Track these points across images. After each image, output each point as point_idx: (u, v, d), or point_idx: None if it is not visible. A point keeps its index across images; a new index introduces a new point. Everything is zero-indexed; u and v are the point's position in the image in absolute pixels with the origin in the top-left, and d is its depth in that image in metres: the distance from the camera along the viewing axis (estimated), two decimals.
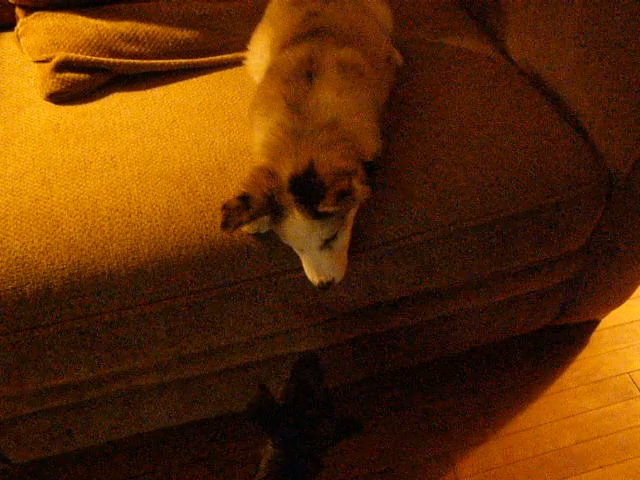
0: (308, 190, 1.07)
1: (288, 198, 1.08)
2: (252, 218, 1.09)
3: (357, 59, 1.26)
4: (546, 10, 1.50)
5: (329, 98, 1.17)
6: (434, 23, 1.68)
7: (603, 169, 1.35)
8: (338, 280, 1.17)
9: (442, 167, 1.29)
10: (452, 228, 1.28)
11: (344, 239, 1.16)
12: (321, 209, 1.07)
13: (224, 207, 1.07)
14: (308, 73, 1.20)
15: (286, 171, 1.09)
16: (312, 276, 1.16)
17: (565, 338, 1.81)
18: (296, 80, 1.20)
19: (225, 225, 1.07)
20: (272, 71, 1.27)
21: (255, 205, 1.07)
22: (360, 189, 1.08)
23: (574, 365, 1.76)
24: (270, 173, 1.10)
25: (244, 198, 1.07)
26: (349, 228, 1.17)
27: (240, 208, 1.06)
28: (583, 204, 1.34)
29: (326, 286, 1.16)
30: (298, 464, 1.12)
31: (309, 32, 1.30)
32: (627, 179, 1.34)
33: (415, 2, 1.76)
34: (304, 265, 1.18)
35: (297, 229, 1.11)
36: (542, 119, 1.40)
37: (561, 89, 1.45)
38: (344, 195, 1.06)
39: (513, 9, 1.60)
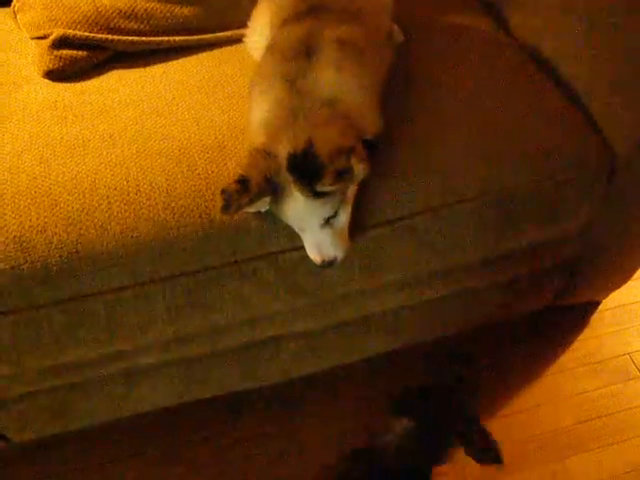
0: (306, 169, 1.05)
1: (287, 178, 1.07)
2: (252, 201, 1.08)
3: (356, 36, 1.24)
4: None
5: (328, 75, 1.16)
6: (436, 0, 1.66)
7: (605, 148, 1.34)
8: (340, 258, 1.16)
9: (441, 145, 1.28)
10: (453, 207, 1.27)
11: (345, 217, 1.15)
12: (319, 188, 1.06)
13: (223, 191, 1.06)
14: (307, 50, 1.19)
15: (284, 150, 1.08)
16: (314, 255, 1.15)
17: (565, 319, 1.80)
18: (295, 57, 1.19)
19: (225, 209, 1.06)
20: (271, 48, 1.26)
21: (254, 188, 1.06)
22: (359, 167, 1.08)
23: (574, 346, 1.76)
24: (268, 154, 1.09)
25: (243, 181, 1.06)
26: (350, 206, 1.16)
27: (239, 192, 1.05)
28: (584, 184, 1.34)
29: (328, 265, 1.15)
30: (431, 443, 1.13)
31: (308, 9, 1.29)
32: (629, 159, 1.33)
33: None
34: (305, 244, 1.17)
35: (297, 209, 1.11)
36: (544, 97, 1.39)
37: (564, 66, 1.44)
38: (342, 174, 1.06)
39: None
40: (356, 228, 1.20)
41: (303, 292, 1.28)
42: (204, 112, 1.32)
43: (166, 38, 1.47)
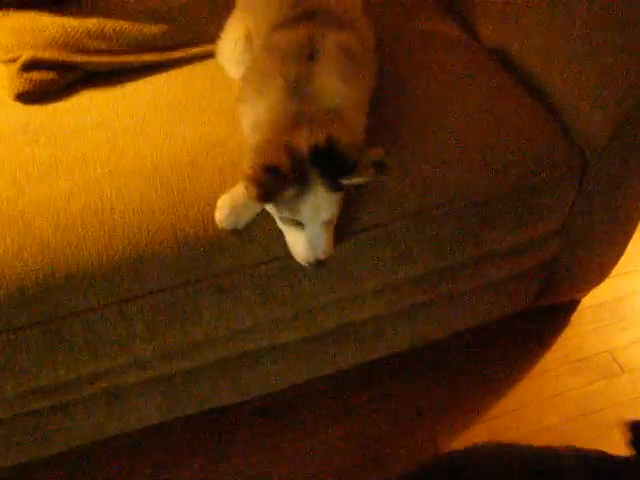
0: (330, 162, 1.07)
1: (309, 171, 1.08)
2: (290, 185, 1.06)
3: (355, 45, 1.25)
4: None
5: (334, 84, 1.16)
6: (405, 8, 1.67)
7: (576, 148, 1.36)
8: (329, 258, 1.17)
9: (417, 152, 1.29)
10: (429, 213, 1.28)
11: (336, 217, 1.17)
12: (346, 181, 1.08)
13: (253, 180, 1.04)
14: (310, 54, 1.18)
15: (305, 143, 1.07)
16: (308, 255, 1.15)
17: (546, 319, 1.82)
18: (297, 60, 1.18)
19: (267, 196, 1.06)
20: (269, 48, 1.25)
21: (290, 172, 1.05)
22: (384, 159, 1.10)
23: (556, 345, 1.77)
24: (287, 146, 1.07)
25: (271, 169, 1.04)
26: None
27: (273, 178, 1.04)
28: (559, 185, 1.35)
29: (317, 265, 1.16)
30: None
31: (304, 14, 1.28)
32: (599, 158, 1.35)
33: None
34: (297, 245, 1.16)
35: (314, 202, 1.10)
36: (516, 101, 1.41)
37: (534, 71, 1.46)
38: (381, 165, 1.08)
39: None
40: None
41: (281, 303, 1.28)
42: (175, 129, 1.32)
43: (135, 57, 1.47)
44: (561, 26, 1.39)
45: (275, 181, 1.04)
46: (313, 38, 1.21)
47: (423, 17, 1.64)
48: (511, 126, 1.35)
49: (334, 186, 1.09)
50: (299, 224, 1.14)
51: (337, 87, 1.17)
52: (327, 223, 1.15)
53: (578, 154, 1.36)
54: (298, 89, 1.14)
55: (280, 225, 1.18)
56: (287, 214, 1.13)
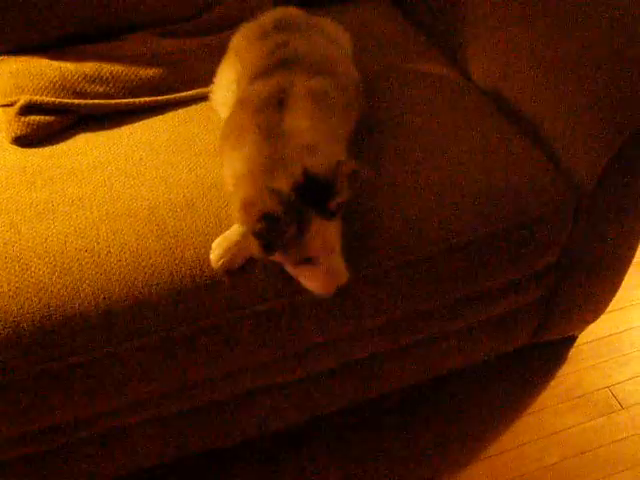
0: (315, 192, 1.08)
1: (301, 207, 1.08)
2: (287, 228, 1.07)
3: (328, 88, 1.28)
4: (508, 33, 1.53)
5: (303, 125, 1.18)
6: (395, 47, 1.71)
7: (569, 186, 1.37)
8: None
9: (406, 190, 1.31)
10: (420, 254, 1.28)
11: (340, 242, 1.18)
12: (338, 200, 1.09)
13: (254, 234, 1.06)
14: (279, 102, 1.21)
15: (286, 184, 1.08)
16: (329, 286, 1.16)
17: (543, 356, 1.82)
18: (268, 109, 1.20)
19: (269, 248, 1.09)
20: (242, 102, 1.28)
21: (286, 218, 1.06)
22: (359, 170, 1.11)
23: (554, 382, 1.76)
24: (271, 190, 1.07)
25: (268, 217, 1.05)
26: None
27: (270, 225, 1.05)
28: (551, 222, 1.36)
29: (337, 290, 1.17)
30: None
31: (278, 63, 1.31)
32: (592, 195, 1.36)
33: (374, 25, 1.79)
34: (315, 280, 1.16)
35: (317, 234, 1.11)
36: (507, 139, 1.42)
37: (525, 108, 1.48)
38: (354, 175, 1.09)
39: (475, 35, 1.63)
40: None
41: (278, 345, 1.28)
42: (172, 171, 1.33)
43: (132, 100, 1.49)
44: (550, 65, 1.42)
45: (273, 228, 1.05)
46: (283, 86, 1.24)
47: (416, 57, 1.67)
48: (502, 163, 1.36)
49: (328, 213, 1.10)
50: (310, 261, 1.15)
51: (306, 126, 1.18)
52: (336, 250, 1.16)
53: (571, 192, 1.37)
54: (271, 136, 1.16)
55: (292, 271, 1.18)
56: (297, 256, 1.14)
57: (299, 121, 1.19)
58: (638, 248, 1.57)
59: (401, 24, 1.83)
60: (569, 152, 1.38)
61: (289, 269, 1.18)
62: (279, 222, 1.05)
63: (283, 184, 1.09)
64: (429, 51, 1.72)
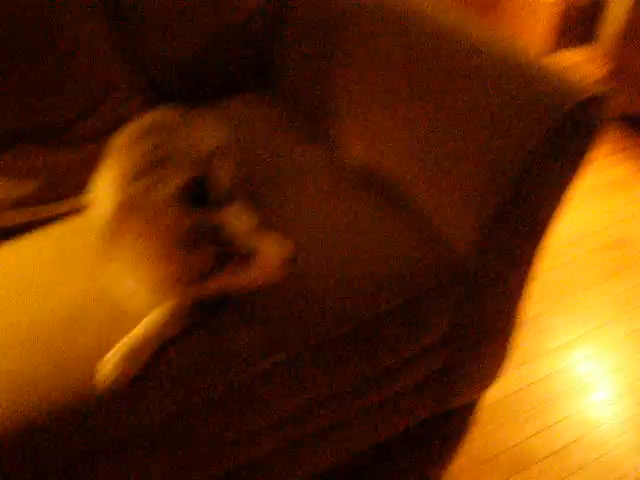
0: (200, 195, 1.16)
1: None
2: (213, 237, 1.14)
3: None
4: (375, 115, 1.59)
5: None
6: (271, 140, 1.75)
7: (448, 257, 1.41)
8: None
9: (299, 277, 1.31)
10: (308, 344, 1.29)
11: None
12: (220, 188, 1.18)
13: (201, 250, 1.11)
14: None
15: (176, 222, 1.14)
16: (282, 253, 1.20)
17: (448, 424, 1.84)
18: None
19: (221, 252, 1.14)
20: (123, 205, 1.26)
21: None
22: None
23: (463, 449, 1.79)
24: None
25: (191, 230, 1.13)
26: None
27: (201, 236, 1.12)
28: (435, 296, 1.40)
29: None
30: None
31: (154, 163, 1.32)
32: (470, 262, 1.40)
33: (248, 121, 1.83)
34: (269, 258, 1.20)
35: (239, 218, 1.17)
36: (386, 217, 1.47)
37: (402, 185, 1.52)
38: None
39: (352, 118, 1.67)
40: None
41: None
42: (54, 288, 1.30)
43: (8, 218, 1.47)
44: (422, 137, 1.46)
45: (203, 235, 1.12)
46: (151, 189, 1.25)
47: (291, 148, 1.72)
48: (382, 244, 1.40)
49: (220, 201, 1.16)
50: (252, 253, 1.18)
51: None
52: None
53: (456, 263, 1.40)
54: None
55: (244, 278, 1.20)
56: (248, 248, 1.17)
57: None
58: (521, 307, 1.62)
59: (278, 114, 1.88)
60: (446, 225, 1.42)
61: (241, 279, 1.20)
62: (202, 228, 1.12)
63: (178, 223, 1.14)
64: (303, 140, 1.76)
